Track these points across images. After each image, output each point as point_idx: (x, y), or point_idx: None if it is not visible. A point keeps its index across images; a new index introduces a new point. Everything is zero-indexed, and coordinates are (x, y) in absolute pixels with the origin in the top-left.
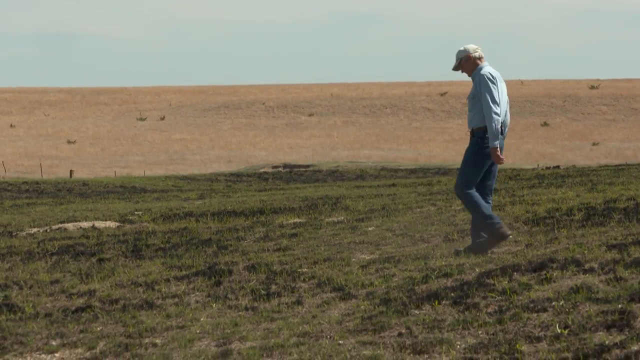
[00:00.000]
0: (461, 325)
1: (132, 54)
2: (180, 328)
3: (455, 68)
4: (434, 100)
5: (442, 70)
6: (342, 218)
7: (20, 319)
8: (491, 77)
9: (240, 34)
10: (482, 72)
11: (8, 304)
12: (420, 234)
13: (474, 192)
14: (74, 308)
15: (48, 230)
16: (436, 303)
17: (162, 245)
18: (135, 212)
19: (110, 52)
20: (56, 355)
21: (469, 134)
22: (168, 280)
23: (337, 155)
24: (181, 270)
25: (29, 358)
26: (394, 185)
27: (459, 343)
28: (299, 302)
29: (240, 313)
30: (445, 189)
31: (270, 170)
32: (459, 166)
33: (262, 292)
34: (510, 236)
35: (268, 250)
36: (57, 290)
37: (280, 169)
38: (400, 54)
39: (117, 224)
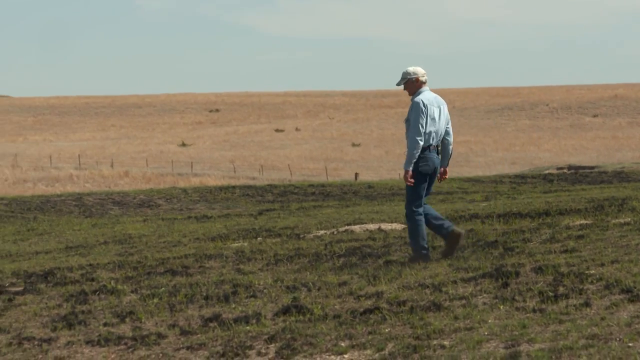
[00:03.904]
0: None
1: (416, 56)
2: (468, 330)
3: (399, 84)
4: None
5: None
6: (629, 220)
7: (309, 320)
8: (422, 105)
9: (523, 35)
10: (416, 98)
11: (297, 305)
12: None
13: (420, 220)
14: (361, 310)
15: (335, 233)
16: None
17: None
18: None
19: (393, 55)
20: (345, 356)
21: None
22: (455, 282)
23: (622, 156)
24: (468, 272)
25: (318, 359)
26: None
27: None
28: (587, 304)
29: (527, 315)
30: None
31: (554, 171)
32: None
33: (550, 294)
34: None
35: (554, 251)
36: (345, 292)
37: (564, 170)
38: None
39: (403, 226)
